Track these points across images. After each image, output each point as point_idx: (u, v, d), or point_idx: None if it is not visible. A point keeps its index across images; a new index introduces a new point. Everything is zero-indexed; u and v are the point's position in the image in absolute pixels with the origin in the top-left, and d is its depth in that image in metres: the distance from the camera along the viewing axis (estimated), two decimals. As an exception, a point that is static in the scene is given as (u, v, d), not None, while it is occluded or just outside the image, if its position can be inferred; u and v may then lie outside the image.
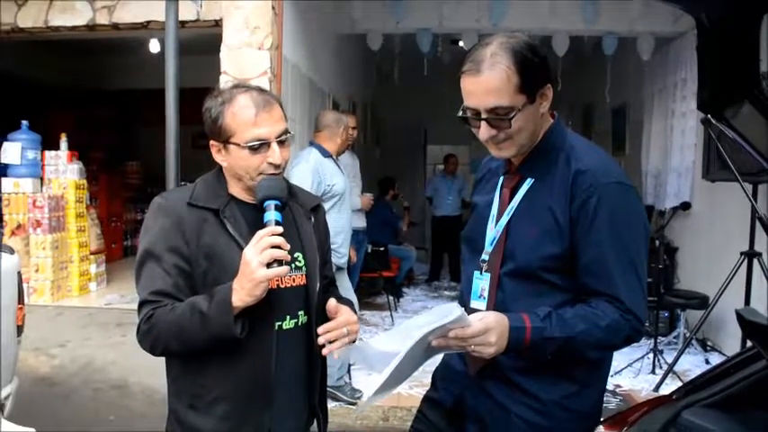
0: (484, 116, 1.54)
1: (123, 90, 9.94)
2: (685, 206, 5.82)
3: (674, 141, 6.38)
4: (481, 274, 1.67)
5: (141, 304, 1.59)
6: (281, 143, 1.62)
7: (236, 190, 1.68)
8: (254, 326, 1.56)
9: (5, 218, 6.48)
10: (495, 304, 1.61)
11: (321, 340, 1.60)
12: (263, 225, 1.54)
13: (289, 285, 1.66)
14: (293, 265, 1.66)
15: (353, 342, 1.64)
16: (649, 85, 7.08)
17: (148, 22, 5.28)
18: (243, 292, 1.48)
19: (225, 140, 1.62)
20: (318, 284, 1.72)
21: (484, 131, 1.56)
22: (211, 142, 1.66)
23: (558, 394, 1.62)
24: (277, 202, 1.57)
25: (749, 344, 1.73)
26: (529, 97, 1.53)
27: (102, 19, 5.36)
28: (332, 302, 1.65)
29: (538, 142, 1.64)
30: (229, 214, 1.63)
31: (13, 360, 2.79)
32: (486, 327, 1.47)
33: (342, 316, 1.63)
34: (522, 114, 1.53)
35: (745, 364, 1.64)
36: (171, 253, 1.58)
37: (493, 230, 1.67)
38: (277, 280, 1.61)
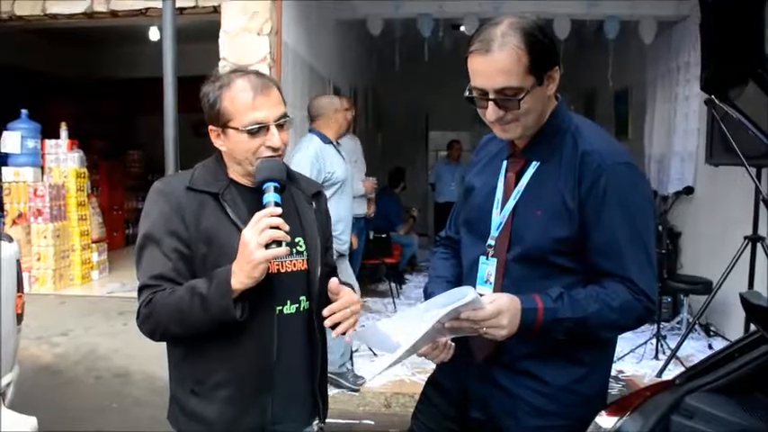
0: (492, 97, 1.52)
1: (124, 79, 9.90)
2: (688, 191, 5.79)
3: (677, 125, 6.33)
4: (487, 258, 1.66)
5: (141, 289, 1.59)
6: (279, 127, 1.61)
7: (235, 174, 1.67)
8: (254, 310, 1.55)
9: (6, 207, 6.48)
10: (502, 288, 1.61)
11: (327, 323, 1.58)
12: (262, 208, 1.53)
13: (289, 270, 1.66)
14: (294, 250, 1.65)
15: (356, 323, 1.63)
16: (652, 69, 7.02)
17: (147, 9, 5.25)
18: (242, 274, 1.48)
19: (223, 125, 1.61)
20: (320, 270, 1.71)
21: (491, 112, 1.54)
22: (210, 127, 1.65)
23: (567, 379, 1.62)
24: (276, 184, 1.56)
25: (753, 328, 1.71)
26: (537, 79, 1.52)
27: (100, 6, 5.33)
28: (334, 281, 1.63)
29: (543, 124, 1.62)
30: (229, 198, 1.62)
31: (13, 348, 2.78)
32: (499, 309, 1.47)
33: (344, 296, 1.62)
34: (531, 96, 1.51)
35: (748, 348, 1.62)
36: (171, 237, 1.57)
37: (498, 215, 1.65)
38: (277, 264, 1.60)
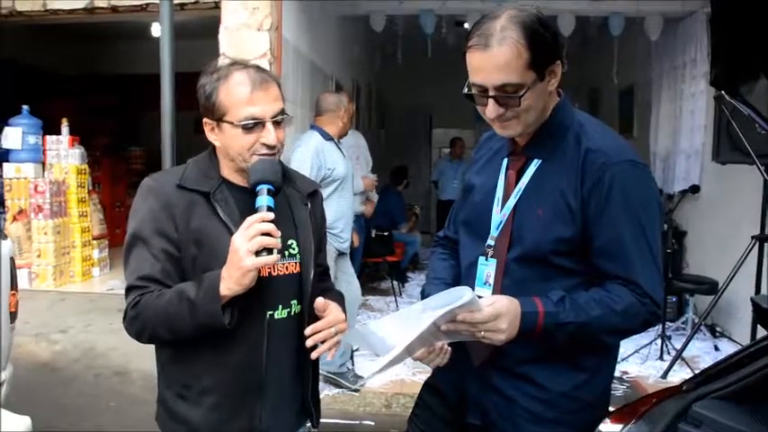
0: (491, 93, 1.46)
1: (126, 75, 9.87)
2: (694, 189, 5.73)
3: (684, 123, 6.27)
4: (486, 259, 1.61)
5: (128, 289, 1.54)
6: (276, 124, 1.55)
7: (228, 172, 1.62)
8: (243, 315, 1.50)
9: (7, 203, 6.46)
10: (502, 290, 1.55)
11: (309, 342, 1.55)
12: (254, 210, 1.47)
13: (281, 273, 1.61)
14: (287, 253, 1.61)
15: (339, 343, 1.59)
16: (657, 66, 6.95)
17: (147, 4, 5.21)
18: (231, 281, 1.43)
19: (218, 118, 1.56)
20: (313, 273, 1.66)
21: (491, 109, 1.48)
22: (205, 120, 1.60)
23: (568, 385, 1.56)
24: (270, 187, 1.50)
25: (761, 332, 1.65)
26: (538, 74, 1.46)
27: (101, 2, 5.29)
28: (320, 300, 1.59)
29: (545, 121, 1.56)
30: (220, 197, 1.57)
31: (7, 347, 2.74)
32: (497, 312, 1.41)
33: (330, 314, 1.58)
34: (532, 92, 1.46)
35: (759, 354, 1.57)
36: (159, 237, 1.53)
37: (499, 214, 1.60)
38: (269, 268, 1.55)
